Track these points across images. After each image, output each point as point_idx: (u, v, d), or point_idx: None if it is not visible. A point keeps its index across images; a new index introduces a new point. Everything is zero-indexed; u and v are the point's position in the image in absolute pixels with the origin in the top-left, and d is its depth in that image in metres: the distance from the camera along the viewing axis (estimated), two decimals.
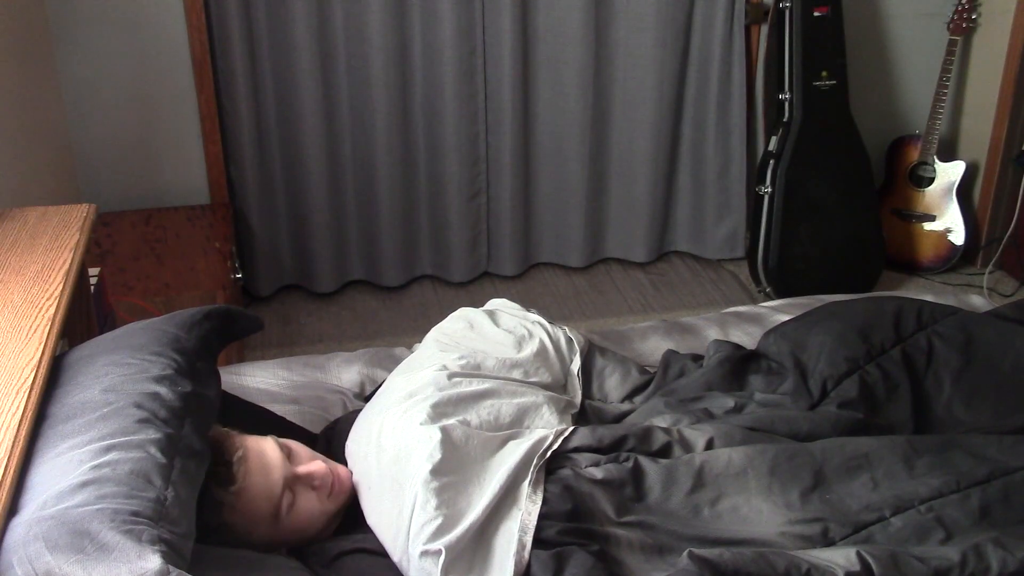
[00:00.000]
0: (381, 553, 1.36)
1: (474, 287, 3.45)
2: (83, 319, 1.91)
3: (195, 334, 1.46)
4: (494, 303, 1.88)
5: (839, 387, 1.66)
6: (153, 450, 1.20)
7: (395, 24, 3.08)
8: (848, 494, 1.42)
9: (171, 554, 1.09)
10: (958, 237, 3.42)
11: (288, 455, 1.42)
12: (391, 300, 3.37)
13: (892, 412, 1.65)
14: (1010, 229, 3.38)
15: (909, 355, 1.71)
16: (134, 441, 1.21)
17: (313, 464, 1.42)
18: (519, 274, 3.52)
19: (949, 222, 3.42)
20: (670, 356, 1.85)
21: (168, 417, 1.27)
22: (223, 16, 2.96)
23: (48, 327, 1.44)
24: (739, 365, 1.76)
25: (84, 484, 1.13)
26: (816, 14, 3.16)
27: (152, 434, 1.23)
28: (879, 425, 1.63)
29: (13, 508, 1.14)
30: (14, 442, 1.19)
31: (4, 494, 1.13)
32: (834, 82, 3.21)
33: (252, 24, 3.01)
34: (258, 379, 1.90)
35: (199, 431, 1.31)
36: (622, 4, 3.22)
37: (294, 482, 1.40)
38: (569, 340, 1.77)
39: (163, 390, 1.31)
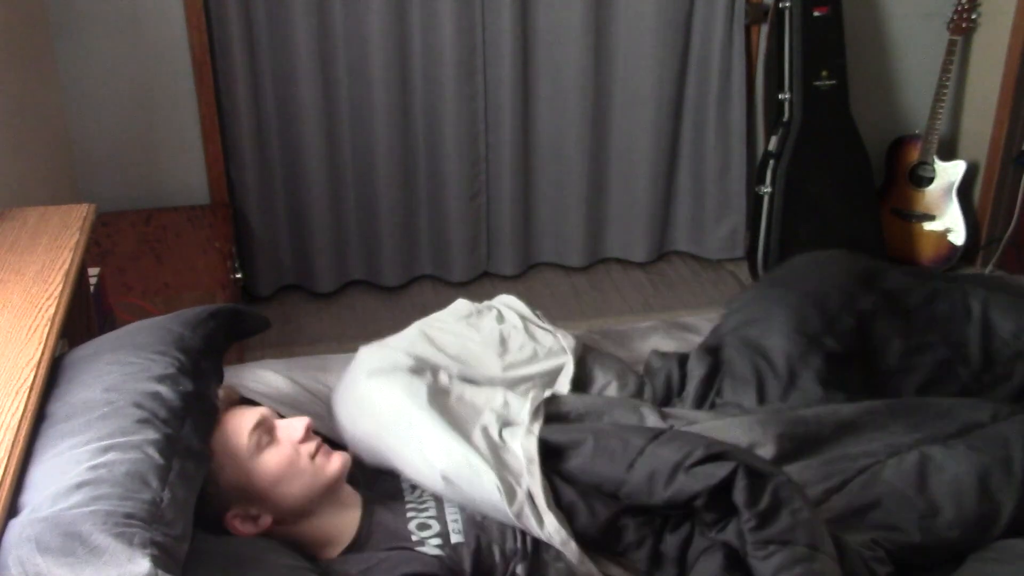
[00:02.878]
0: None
1: (474, 287, 3.45)
2: (83, 319, 1.91)
3: (200, 333, 1.45)
4: (501, 300, 1.88)
5: (805, 369, 1.72)
6: (151, 451, 1.20)
7: (395, 24, 3.08)
8: (844, 448, 1.54)
9: (162, 557, 1.08)
10: (958, 237, 3.42)
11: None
12: (391, 300, 3.37)
13: (853, 375, 1.73)
14: (1010, 229, 3.38)
15: (861, 316, 1.78)
16: (132, 442, 1.20)
17: (296, 421, 1.43)
18: (519, 274, 3.51)
19: (949, 222, 3.41)
20: (653, 360, 1.86)
21: (168, 417, 1.27)
22: (223, 16, 2.96)
23: (48, 327, 1.44)
24: (714, 378, 1.79)
25: (80, 485, 1.14)
26: (816, 14, 3.16)
27: (151, 435, 1.22)
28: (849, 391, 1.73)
29: (14, 508, 1.14)
30: (14, 442, 1.19)
31: (3, 494, 1.13)
32: (834, 82, 3.21)
33: (252, 24, 3.01)
34: (258, 380, 1.89)
35: (199, 431, 1.31)
36: (622, 4, 3.22)
37: (269, 428, 1.41)
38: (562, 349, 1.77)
39: (164, 389, 1.30)
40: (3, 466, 1.15)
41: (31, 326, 1.44)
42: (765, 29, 3.30)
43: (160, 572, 1.05)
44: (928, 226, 3.44)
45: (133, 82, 3.00)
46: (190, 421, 1.29)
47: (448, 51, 3.13)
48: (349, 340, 3.10)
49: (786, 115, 3.21)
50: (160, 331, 1.44)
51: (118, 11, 2.92)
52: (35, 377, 1.32)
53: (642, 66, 3.29)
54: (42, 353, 1.37)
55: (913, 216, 3.45)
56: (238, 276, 3.01)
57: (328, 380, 1.91)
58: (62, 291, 1.56)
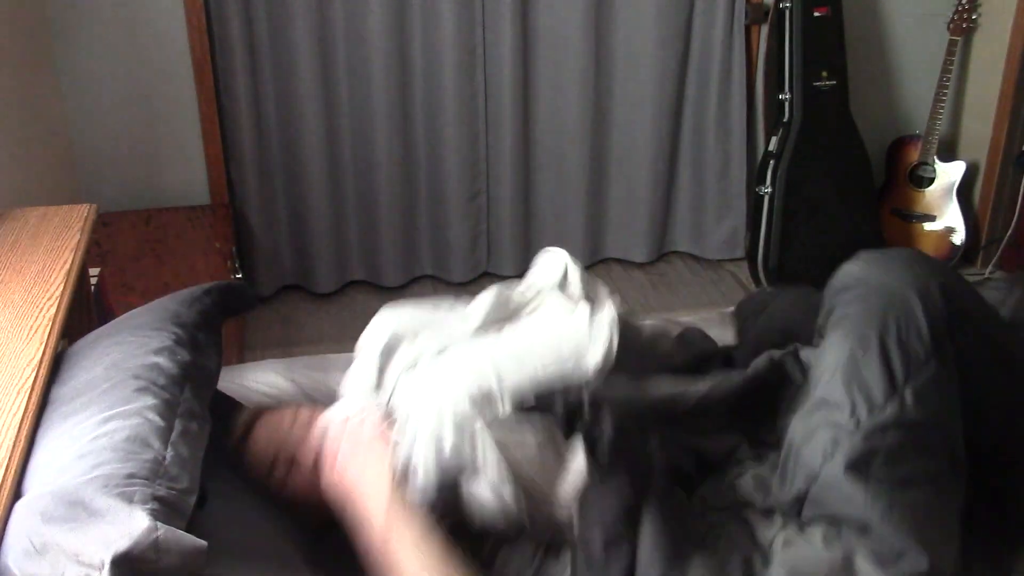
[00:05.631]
0: None
1: (474, 287, 3.45)
2: (83, 319, 1.90)
3: (195, 309, 1.48)
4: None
5: None
6: (151, 415, 1.21)
7: (395, 24, 3.08)
8: None
9: (163, 511, 1.09)
10: (958, 237, 3.42)
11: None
12: (391, 300, 3.34)
13: None
14: (1010, 229, 3.38)
15: None
16: (132, 409, 1.22)
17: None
18: (519, 274, 3.49)
19: (949, 222, 3.42)
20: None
21: (166, 384, 1.28)
22: (223, 16, 2.96)
23: (49, 327, 1.44)
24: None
25: (81, 456, 1.15)
26: (816, 14, 3.16)
27: (149, 400, 1.24)
28: None
29: (18, 493, 1.15)
30: (14, 442, 1.19)
31: (5, 494, 1.13)
32: (834, 82, 3.21)
33: (252, 24, 3.01)
34: (259, 381, 1.90)
35: (199, 396, 1.33)
36: (622, 4, 3.22)
37: (290, 456, 1.45)
38: None
39: (161, 360, 1.32)
40: (4, 465, 1.15)
41: (32, 326, 1.44)
42: (765, 29, 3.30)
43: (159, 524, 1.06)
44: (928, 226, 3.44)
45: (133, 82, 3.00)
46: (189, 386, 1.31)
47: (448, 51, 3.13)
48: (349, 340, 3.06)
49: (786, 115, 3.21)
50: (156, 311, 1.47)
51: (118, 12, 2.92)
52: (36, 377, 1.32)
53: (642, 66, 3.29)
54: (43, 353, 1.37)
55: (913, 216, 3.45)
56: (238, 276, 3.01)
57: (328, 381, 1.92)
58: (63, 291, 1.56)
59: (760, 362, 1.51)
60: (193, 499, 1.16)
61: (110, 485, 1.10)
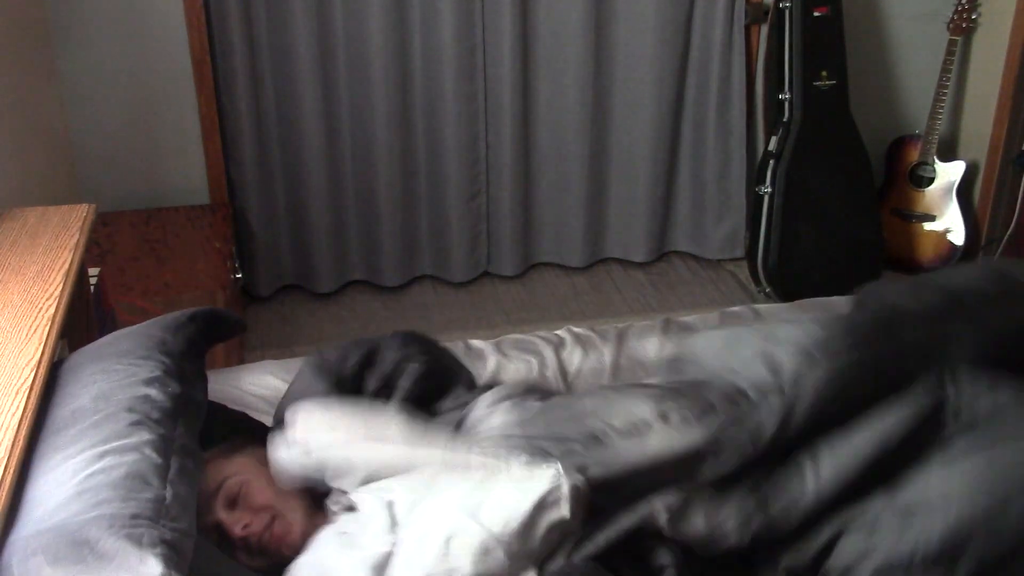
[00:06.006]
0: None
1: (474, 287, 3.45)
2: (83, 319, 1.91)
3: (181, 336, 1.46)
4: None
5: None
6: (148, 451, 1.20)
7: (395, 24, 3.09)
8: None
9: (172, 555, 1.08)
10: (958, 237, 3.42)
11: (237, 495, 1.37)
12: (391, 300, 3.37)
13: None
14: (1010, 229, 3.38)
15: None
16: (128, 444, 1.21)
17: (240, 516, 1.35)
18: (519, 274, 3.51)
19: (949, 222, 3.41)
20: None
21: (160, 418, 1.27)
22: (223, 16, 2.96)
23: (48, 327, 1.45)
24: None
25: (80, 493, 1.13)
26: (816, 14, 3.16)
27: (146, 435, 1.23)
28: None
29: (11, 522, 1.13)
30: (13, 442, 1.19)
31: (4, 493, 1.13)
32: (834, 82, 3.21)
33: (252, 24, 3.01)
34: (256, 383, 1.89)
35: (191, 431, 1.32)
36: (622, 4, 3.22)
37: (219, 525, 1.35)
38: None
39: (153, 392, 1.31)
40: (3, 465, 1.15)
41: (31, 326, 1.45)
42: (765, 29, 3.30)
43: (173, 572, 1.04)
44: (928, 226, 3.44)
45: (133, 82, 3.00)
46: (182, 421, 1.30)
47: (448, 51, 3.13)
48: (349, 340, 3.09)
49: (786, 115, 3.21)
50: (141, 337, 1.44)
51: (118, 11, 2.92)
52: (35, 377, 1.32)
53: (642, 66, 3.29)
54: (42, 353, 1.38)
55: (913, 216, 3.45)
56: (238, 276, 3.01)
57: None
58: (62, 291, 1.56)
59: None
60: (192, 542, 1.14)
61: (115, 525, 1.08)
